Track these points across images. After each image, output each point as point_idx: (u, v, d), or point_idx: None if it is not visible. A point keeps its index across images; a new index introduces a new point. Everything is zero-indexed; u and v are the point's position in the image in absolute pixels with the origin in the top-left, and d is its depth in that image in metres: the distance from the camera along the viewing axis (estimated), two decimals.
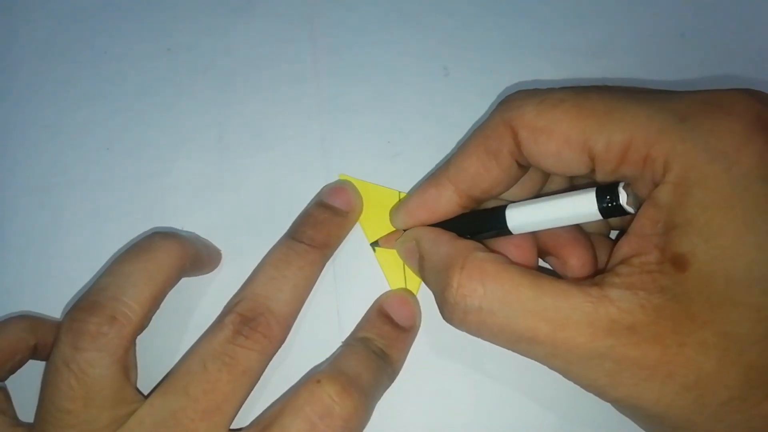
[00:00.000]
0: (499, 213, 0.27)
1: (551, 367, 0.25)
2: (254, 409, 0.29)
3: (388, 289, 0.32)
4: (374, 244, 0.32)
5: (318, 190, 0.33)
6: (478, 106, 0.34)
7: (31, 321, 0.30)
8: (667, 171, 0.22)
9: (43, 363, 0.28)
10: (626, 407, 0.24)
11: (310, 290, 0.30)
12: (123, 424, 0.26)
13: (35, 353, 0.30)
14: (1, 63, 0.36)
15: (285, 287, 0.29)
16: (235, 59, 0.36)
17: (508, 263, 0.25)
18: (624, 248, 0.24)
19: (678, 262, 0.22)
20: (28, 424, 0.28)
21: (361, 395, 0.27)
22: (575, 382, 0.24)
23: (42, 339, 0.29)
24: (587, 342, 0.22)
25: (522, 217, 0.26)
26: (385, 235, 0.32)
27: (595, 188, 0.24)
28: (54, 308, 0.32)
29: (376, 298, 0.32)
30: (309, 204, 0.32)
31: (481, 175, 0.27)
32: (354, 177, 0.33)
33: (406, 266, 0.32)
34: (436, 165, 0.33)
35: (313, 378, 0.27)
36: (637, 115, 0.23)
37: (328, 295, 0.32)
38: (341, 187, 0.32)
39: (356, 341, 0.30)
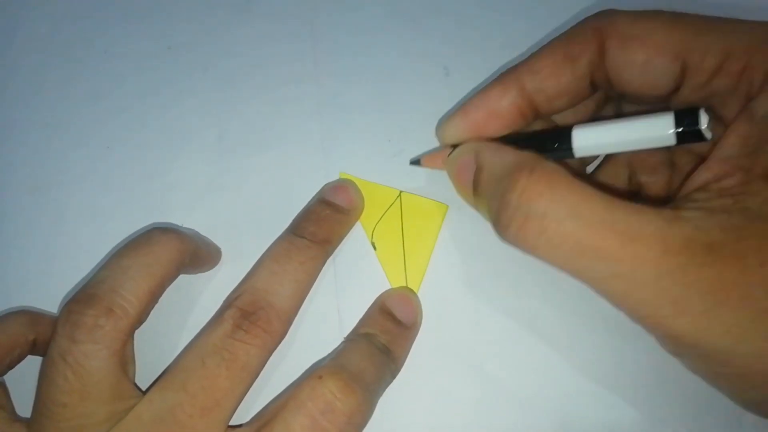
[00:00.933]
0: (564, 132, 0.25)
1: (607, 293, 0.22)
2: (254, 406, 0.29)
3: (389, 287, 0.32)
4: (415, 162, 0.30)
5: (318, 190, 0.33)
6: None
7: (30, 316, 0.30)
8: (766, 82, 0.22)
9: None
10: (684, 344, 0.22)
11: (311, 286, 0.30)
12: (121, 419, 0.26)
13: (34, 348, 0.29)
14: (1, 63, 0.36)
15: (286, 282, 0.28)
16: (235, 59, 0.36)
17: (579, 177, 0.23)
18: (702, 174, 0.22)
19: None
20: (27, 420, 0.27)
21: (363, 391, 0.26)
22: (629, 313, 0.22)
23: (41, 334, 0.29)
24: (657, 257, 0.20)
25: (590, 138, 0.25)
26: (429, 154, 0.30)
27: (673, 111, 0.23)
28: (54, 307, 0.32)
29: (377, 296, 0.31)
30: (310, 201, 0.32)
31: (551, 79, 0.26)
32: (354, 176, 0.33)
33: (406, 264, 0.32)
34: None
35: (315, 374, 0.27)
36: (737, 29, 0.23)
37: (328, 294, 0.32)
38: (343, 185, 0.32)
39: (359, 337, 0.30)
